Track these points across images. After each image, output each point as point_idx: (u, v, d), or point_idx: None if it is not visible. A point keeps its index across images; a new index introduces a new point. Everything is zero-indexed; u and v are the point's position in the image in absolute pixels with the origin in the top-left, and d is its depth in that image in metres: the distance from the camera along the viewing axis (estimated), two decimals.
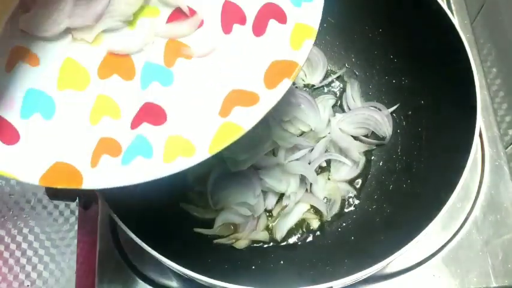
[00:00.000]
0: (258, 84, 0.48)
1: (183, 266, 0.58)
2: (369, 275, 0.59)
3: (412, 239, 0.59)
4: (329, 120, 0.81)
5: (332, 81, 0.87)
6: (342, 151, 0.80)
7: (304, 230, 0.77)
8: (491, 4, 0.93)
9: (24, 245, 0.83)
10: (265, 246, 0.76)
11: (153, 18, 0.51)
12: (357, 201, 0.79)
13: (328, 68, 0.87)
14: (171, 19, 0.52)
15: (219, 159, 0.79)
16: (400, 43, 0.80)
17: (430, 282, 0.74)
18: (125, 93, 0.49)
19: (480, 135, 0.81)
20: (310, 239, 0.76)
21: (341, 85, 0.87)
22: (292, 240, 0.76)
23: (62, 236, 0.83)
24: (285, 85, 0.48)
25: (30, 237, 0.84)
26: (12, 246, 0.83)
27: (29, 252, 0.83)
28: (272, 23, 0.50)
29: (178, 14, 0.52)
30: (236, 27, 0.51)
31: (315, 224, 0.77)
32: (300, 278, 0.68)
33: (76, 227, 0.84)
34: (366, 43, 0.84)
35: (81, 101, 0.49)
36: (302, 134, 0.80)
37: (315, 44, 0.86)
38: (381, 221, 0.74)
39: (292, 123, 0.79)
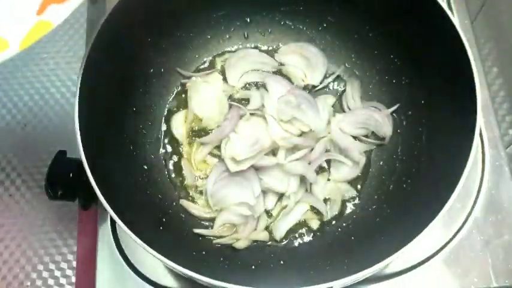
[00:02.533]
0: None
1: (183, 266, 0.58)
2: (369, 275, 0.59)
3: (412, 239, 0.59)
4: (329, 120, 0.81)
5: (332, 81, 0.87)
6: (342, 151, 0.80)
7: (304, 230, 0.77)
8: (491, 3, 0.93)
9: (24, 245, 0.83)
10: (265, 246, 0.75)
11: None
12: (357, 201, 0.78)
13: (328, 67, 0.87)
14: None
15: (218, 159, 0.79)
16: (400, 43, 0.80)
17: (430, 283, 0.74)
18: None
19: (480, 135, 0.81)
20: (310, 239, 0.76)
21: (341, 85, 0.87)
22: (292, 240, 0.76)
23: (61, 236, 0.83)
24: None
25: (30, 238, 0.84)
26: (12, 246, 0.83)
27: (29, 253, 0.83)
28: None
29: None
30: None
31: (314, 224, 0.77)
32: (300, 278, 0.68)
33: (76, 227, 0.84)
34: (366, 43, 0.84)
35: None
36: (302, 134, 0.80)
37: (315, 43, 0.87)
38: (380, 221, 0.74)
39: (292, 123, 0.79)
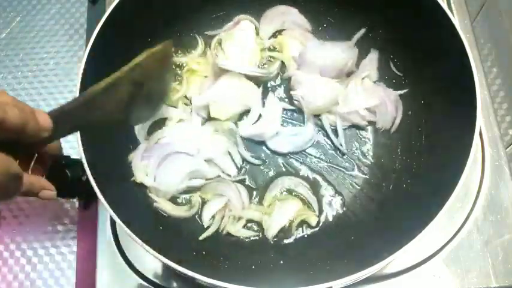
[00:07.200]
0: None
1: (183, 266, 0.58)
2: (368, 275, 0.59)
3: (412, 239, 0.59)
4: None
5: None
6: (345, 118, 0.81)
7: (304, 230, 0.76)
8: (491, 4, 0.93)
9: (24, 245, 0.83)
10: (265, 246, 0.75)
11: None
12: (357, 201, 0.78)
13: None
14: None
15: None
16: (400, 43, 0.80)
17: (430, 282, 0.74)
18: None
19: (480, 135, 0.81)
20: (310, 239, 0.76)
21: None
22: (292, 240, 0.76)
23: (61, 236, 0.83)
24: None
25: (30, 237, 0.84)
26: (12, 246, 0.83)
27: (29, 252, 0.83)
28: None
29: None
30: None
31: (313, 220, 0.76)
32: (300, 278, 0.68)
33: (76, 227, 0.84)
34: (366, 43, 0.84)
35: None
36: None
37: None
38: (380, 220, 0.74)
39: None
